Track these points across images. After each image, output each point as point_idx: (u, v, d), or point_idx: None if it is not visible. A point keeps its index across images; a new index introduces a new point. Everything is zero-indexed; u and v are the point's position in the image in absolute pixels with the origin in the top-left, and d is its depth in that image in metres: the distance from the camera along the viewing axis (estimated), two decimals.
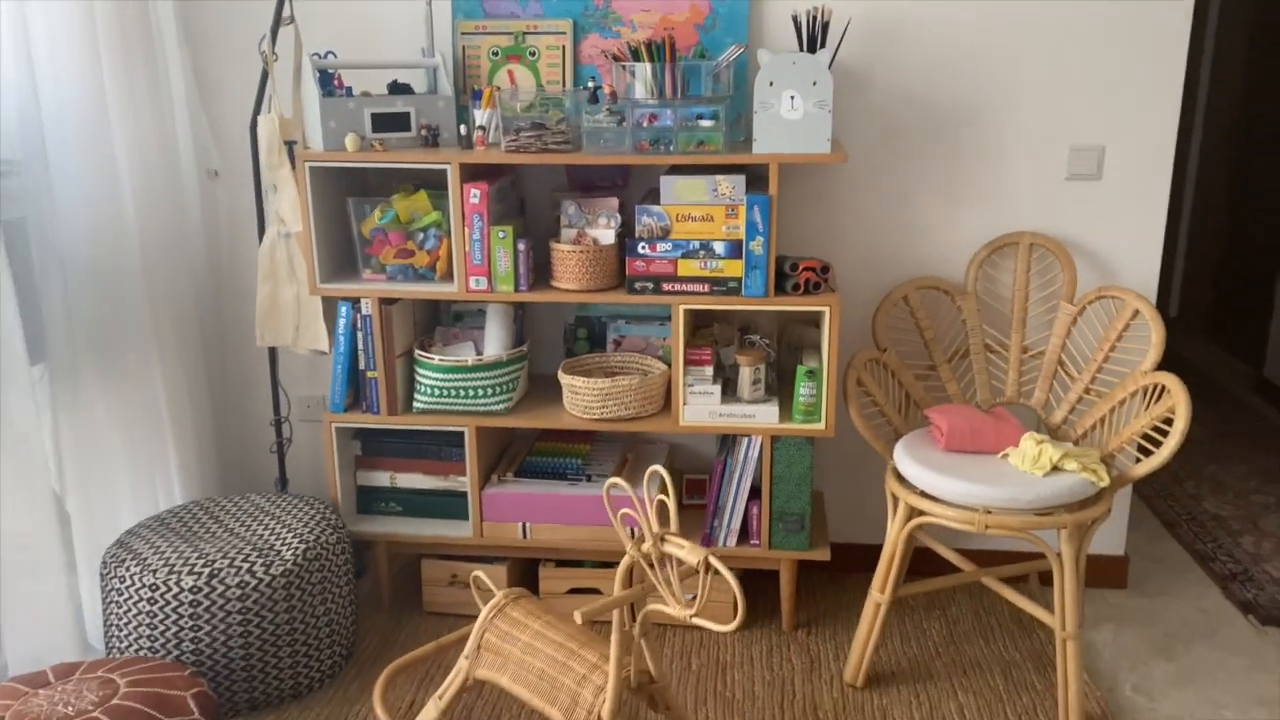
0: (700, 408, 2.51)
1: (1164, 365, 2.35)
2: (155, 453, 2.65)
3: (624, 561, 1.77)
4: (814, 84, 2.27)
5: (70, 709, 1.86)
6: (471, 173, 2.47)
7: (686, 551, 1.68)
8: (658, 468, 1.79)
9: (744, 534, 2.60)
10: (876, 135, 2.65)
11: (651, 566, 1.74)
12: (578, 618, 1.70)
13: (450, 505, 2.70)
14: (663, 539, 1.73)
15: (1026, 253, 2.59)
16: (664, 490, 1.78)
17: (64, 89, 2.32)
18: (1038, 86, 2.57)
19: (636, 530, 1.78)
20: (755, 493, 2.57)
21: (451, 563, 2.69)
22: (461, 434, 2.61)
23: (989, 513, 2.18)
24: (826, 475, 2.89)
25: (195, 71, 2.75)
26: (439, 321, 2.78)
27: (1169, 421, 2.23)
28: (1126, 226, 2.63)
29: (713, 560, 1.64)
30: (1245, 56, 4.72)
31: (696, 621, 1.68)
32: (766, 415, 2.50)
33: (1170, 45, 2.51)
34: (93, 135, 2.39)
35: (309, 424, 3.00)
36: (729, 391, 2.57)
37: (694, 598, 1.67)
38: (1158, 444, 2.22)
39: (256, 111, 2.62)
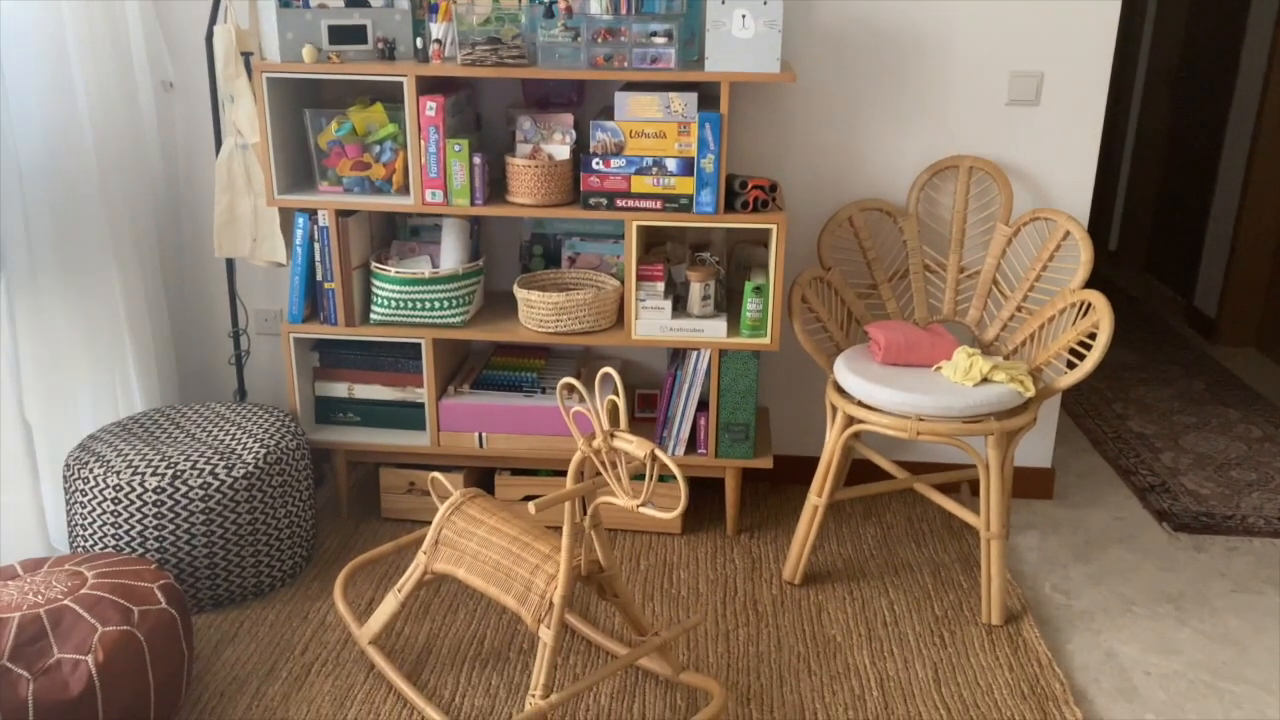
0: (651, 322, 2.60)
1: (1102, 295, 2.48)
2: (115, 362, 2.69)
3: (576, 457, 1.86)
4: (764, 3, 2.32)
5: (40, 598, 1.93)
6: (427, 85, 2.50)
7: (635, 446, 1.78)
8: (609, 369, 1.88)
9: (692, 444, 2.71)
10: (825, 58, 2.72)
11: (603, 462, 1.84)
12: (531, 509, 1.79)
13: (408, 416, 2.78)
14: (612, 435, 1.82)
15: (966, 176, 2.69)
16: (615, 391, 1.87)
17: None
18: (979, 12, 2.65)
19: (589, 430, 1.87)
20: (703, 405, 2.68)
21: (409, 471, 2.78)
22: (419, 346, 2.68)
23: (921, 420, 2.30)
24: (772, 391, 3.01)
25: None
26: (395, 235, 2.83)
27: (1095, 337, 2.36)
28: (1062, 151, 2.74)
29: (658, 452, 1.74)
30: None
31: (644, 511, 1.78)
32: (715, 330, 2.60)
33: None
34: (47, 41, 2.38)
35: (267, 337, 3.04)
36: (679, 307, 2.66)
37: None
38: (1083, 359, 2.36)
39: (212, 22, 2.62)
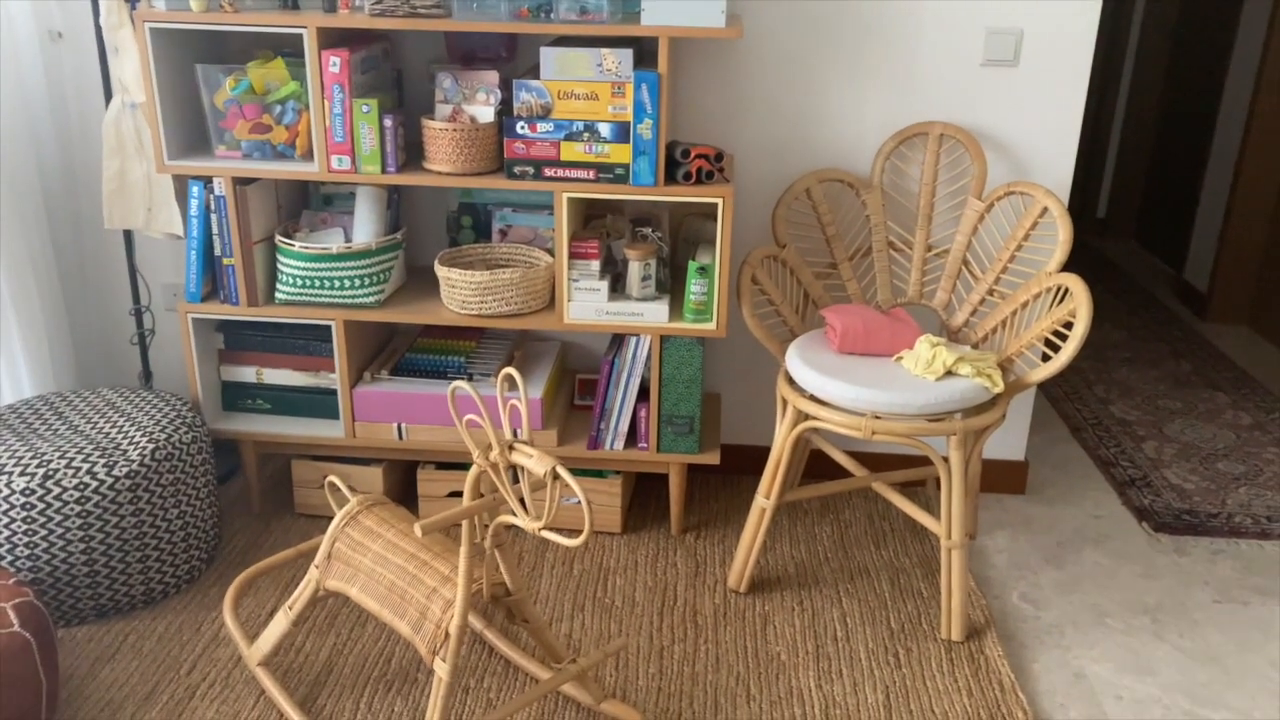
0: (585, 304, 2.36)
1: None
2: None
3: (472, 471, 1.63)
4: None
5: None
6: (333, 38, 2.23)
7: (535, 461, 1.55)
8: (510, 370, 1.64)
9: (632, 436, 2.48)
10: (778, 11, 2.44)
11: (500, 477, 1.61)
12: (417, 530, 1.57)
13: (322, 403, 2.54)
14: (511, 447, 1.59)
15: (936, 144, 2.44)
16: (519, 395, 1.64)
17: None
18: None
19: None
20: (645, 394, 2.44)
21: (324, 464, 2.55)
22: (330, 328, 2.44)
23: (877, 418, 2.08)
24: (725, 375, 2.77)
25: None
26: (307, 205, 2.57)
27: (1072, 326, 2.13)
28: (1043, 119, 2.48)
29: (560, 470, 1.51)
30: None
31: (545, 534, 1.56)
32: (655, 314, 2.36)
33: None
34: None
35: (175, 314, 2.79)
36: (619, 288, 2.42)
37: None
38: (1059, 348, 2.12)
39: None
